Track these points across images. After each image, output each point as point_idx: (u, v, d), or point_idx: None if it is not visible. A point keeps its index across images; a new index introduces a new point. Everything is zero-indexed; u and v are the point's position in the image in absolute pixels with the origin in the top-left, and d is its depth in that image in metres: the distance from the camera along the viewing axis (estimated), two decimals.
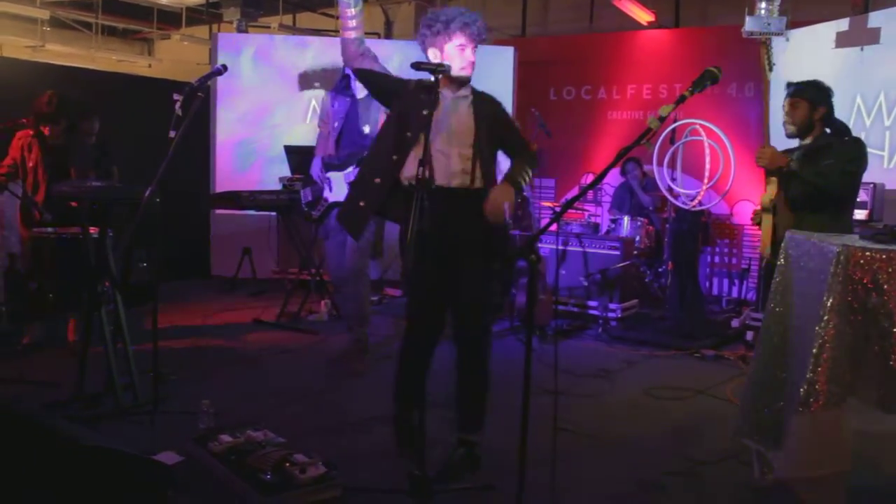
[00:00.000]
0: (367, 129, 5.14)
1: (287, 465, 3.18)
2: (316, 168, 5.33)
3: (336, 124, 5.25)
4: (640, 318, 7.04)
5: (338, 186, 5.23)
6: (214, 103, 8.84)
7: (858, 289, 2.12)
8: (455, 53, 3.41)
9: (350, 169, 5.15)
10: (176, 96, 3.88)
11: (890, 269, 2.10)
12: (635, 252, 7.23)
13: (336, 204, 5.27)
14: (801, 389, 2.10)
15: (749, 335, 6.15)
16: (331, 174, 5.25)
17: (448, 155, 3.41)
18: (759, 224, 4.17)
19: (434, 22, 3.42)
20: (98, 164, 5.63)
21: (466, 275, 3.48)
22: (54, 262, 5.10)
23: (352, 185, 3.76)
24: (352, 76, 5.11)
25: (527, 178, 3.47)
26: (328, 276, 5.62)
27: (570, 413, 4.29)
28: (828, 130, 4.14)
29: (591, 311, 6.78)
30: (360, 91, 5.15)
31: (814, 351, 2.11)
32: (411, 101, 3.43)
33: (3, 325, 5.64)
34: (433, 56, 3.44)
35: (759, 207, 4.21)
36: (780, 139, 4.30)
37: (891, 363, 2.06)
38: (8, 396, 4.31)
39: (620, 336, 6.39)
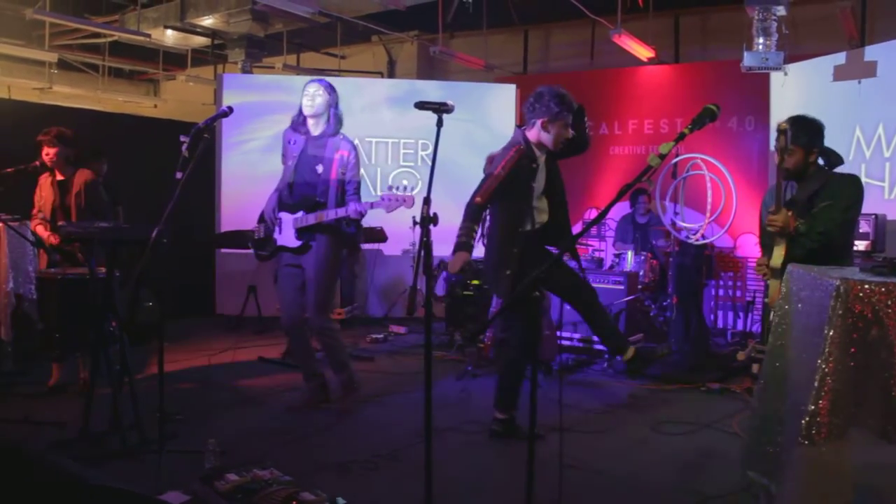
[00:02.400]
0: (319, 169, 4.90)
1: (294, 503, 3.18)
2: (269, 205, 5.10)
3: (290, 162, 5.02)
4: (646, 352, 7.02)
5: (287, 228, 4.97)
6: (220, 144, 8.95)
7: (858, 321, 2.13)
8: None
9: (300, 213, 4.88)
10: (182, 138, 3.93)
11: (889, 302, 2.12)
12: (640, 286, 7.24)
13: (284, 248, 5.00)
14: (804, 421, 2.11)
15: (755, 368, 6.11)
16: (282, 214, 5.00)
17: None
18: (764, 275, 4.08)
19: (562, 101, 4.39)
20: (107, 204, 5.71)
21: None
22: (60, 302, 5.14)
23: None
24: (304, 112, 4.99)
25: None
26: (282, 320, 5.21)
27: (577, 449, 4.27)
28: (821, 161, 4.07)
29: (596, 346, 6.77)
30: (315, 129, 4.99)
31: (815, 383, 2.12)
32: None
33: (9, 365, 5.66)
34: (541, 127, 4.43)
35: (763, 258, 4.08)
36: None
37: (892, 394, 2.07)
38: (14, 436, 4.32)
39: (625, 371, 6.38)
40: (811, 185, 4.00)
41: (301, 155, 4.97)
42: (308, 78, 5.50)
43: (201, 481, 3.48)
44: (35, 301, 5.45)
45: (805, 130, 3.99)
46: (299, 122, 5.05)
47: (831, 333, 2.14)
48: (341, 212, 4.80)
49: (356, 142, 5.09)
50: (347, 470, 3.98)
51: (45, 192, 5.54)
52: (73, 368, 5.48)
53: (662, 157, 2.54)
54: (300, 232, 4.90)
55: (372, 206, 4.80)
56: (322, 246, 4.92)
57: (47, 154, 5.44)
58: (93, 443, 4.18)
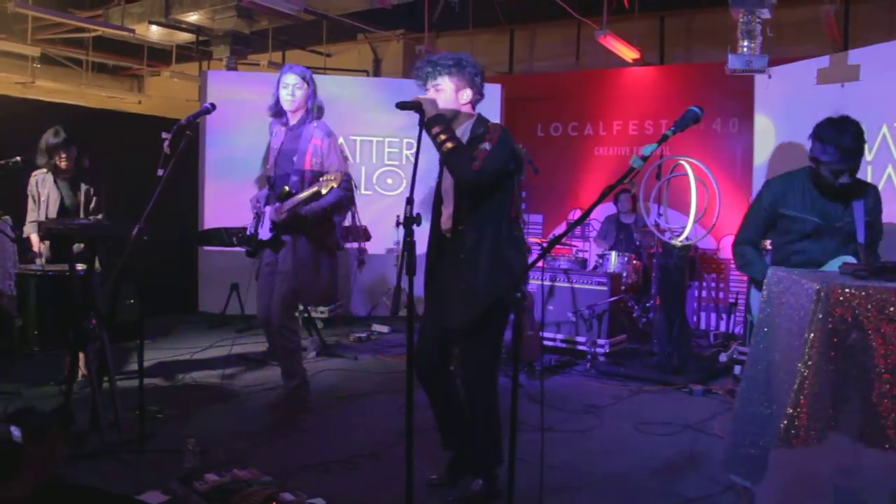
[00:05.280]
0: (295, 159, 4.79)
1: (273, 503, 3.16)
2: (254, 199, 5.02)
3: (272, 156, 4.94)
4: (628, 353, 7.05)
5: (266, 222, 4.84)
6: (203, 140, 8.90)
7: (839, 325, 2.14)
8: None
9: (276, 205, 4.77)
10: (164, 135, 3.90)
11: (869, 306, 2.13)
12: (623, 287, 7.25)
13: (265, 242, 4.85)
14: (783, 424, 2.12)
15: (737, 369, 6.17)
16: (266, 208, 4.89)
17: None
18: None
19: None
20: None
21: None
22: (40, 298, 5.09)
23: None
24: (284, 108, 4.85)
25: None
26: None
27: (559, 449, 4.28)
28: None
29: (580, 347, 6.79)
30: (294, 119, 4.88)
31: (795, 387, 2.13)
32: None
33: None
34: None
35: None
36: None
37: (872, 398, 2.08)
38: None
39: (608, 371, 6.39)
40: None
41: (280, 147, 4.89)
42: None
43: (180, 481, 3.46)
44: (14, 297, 5.40)
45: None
46: (276, 112, 4.92)
47: (811, 337, 2.15)
48: (296, 199, 4.61)
49: (340, 140, 5.01)
50: (328, 470, 3.97)
51: (44, 189, 5.52)
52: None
53: (645, 158, 2.54)
54: (274, 224, 4.77)
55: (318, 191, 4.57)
56: (298, 242, 4.78)
57: (70, 159, 5.47)
58: (72, 441, 4.14)
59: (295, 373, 4.97)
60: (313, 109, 4.91)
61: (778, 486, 2.19)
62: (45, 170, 5.54)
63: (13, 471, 2.31)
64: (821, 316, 2.15)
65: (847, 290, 2.16)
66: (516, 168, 3.55)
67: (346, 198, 4.86)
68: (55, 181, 5.53)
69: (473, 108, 3.60)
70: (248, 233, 5.04)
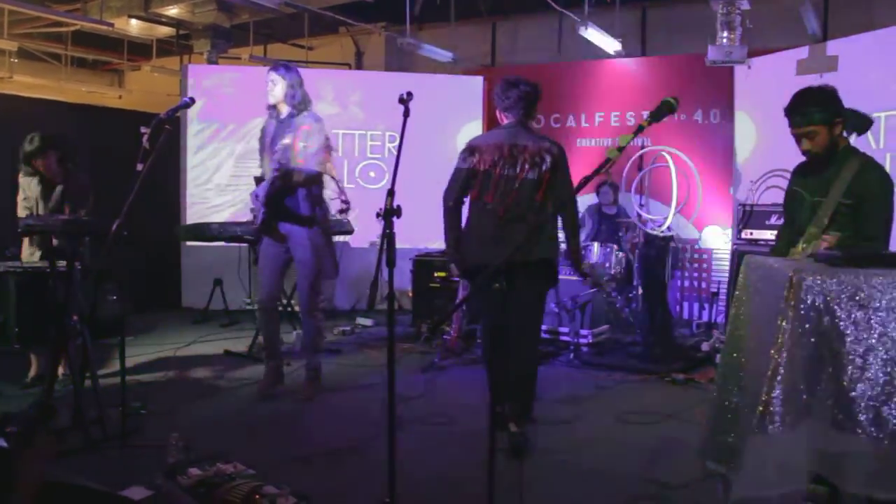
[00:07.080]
0: (281, 149, 5.07)
1: (257, 497, 3.17)
2: (254, 192, 5.21)
3: (267, 150, 5.21)
4: (611, 343, 7.09)
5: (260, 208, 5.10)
6: (185, 135, 8.86)
7: (811, 313, 2.17)
8: None
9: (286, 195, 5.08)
10: (143, 129, 3.90)
11: (842, 294, 2.16)
12: (605, 278, 7.27)
13: (258, 229, 5.18)
14: (757, 412, 2.15)
15: (718, 358, 6.19)
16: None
17: None
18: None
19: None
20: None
21: None
22: (20, 295, 5.06)
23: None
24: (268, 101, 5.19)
25: None
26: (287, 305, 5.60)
27: (542, 439, 4.30)
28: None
29: (563, 338, 6.81)
30: (282, 112, 5.15)
31: (768, 374, 2.15)
32: None
33: None
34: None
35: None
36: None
37: (843, 383, 2.11)
38: None
39: (591, 362, 6.43)
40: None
41: (272, 140, 5.14)
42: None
43: (164, 476, 3.46)
44: None
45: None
46: (271, 109, 5.22)
47: (784, 324, 2.18)
48: (272, 183, 4.96)
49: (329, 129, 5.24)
50: (311, 463, 3.98)
51: (30, 192, 5.45)
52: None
53: (621, 149, 2.56)
54: (266, 210, 5.02)
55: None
56: (297, 229, 5.05)
57: (49, 165, 5.41)
58: (55, 438, 4.13)
59: (319, 349, 5.33)
60: (299, 101, 5.13)
61: (753, 472, 2.22)
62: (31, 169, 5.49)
63: (11, 483, 2.31)
64: (793, 303, 2.18)
65: (819, 278, 2.19)
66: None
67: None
68: (39, 180, 5.47)
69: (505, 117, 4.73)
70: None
